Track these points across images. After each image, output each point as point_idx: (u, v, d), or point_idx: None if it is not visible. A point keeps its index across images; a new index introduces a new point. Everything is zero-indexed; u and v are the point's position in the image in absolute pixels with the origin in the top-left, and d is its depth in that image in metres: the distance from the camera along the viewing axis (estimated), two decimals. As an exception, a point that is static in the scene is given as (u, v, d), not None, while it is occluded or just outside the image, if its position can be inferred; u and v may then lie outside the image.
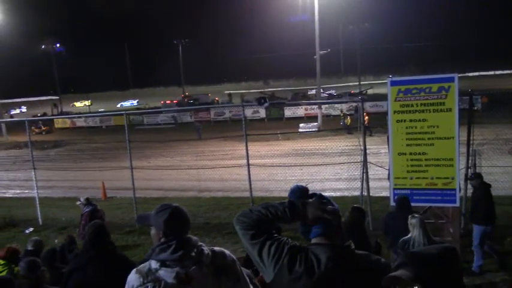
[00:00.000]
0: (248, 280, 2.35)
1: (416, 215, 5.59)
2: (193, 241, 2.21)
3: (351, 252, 1.92)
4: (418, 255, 1.34)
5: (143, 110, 60.58)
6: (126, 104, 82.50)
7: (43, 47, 73.22)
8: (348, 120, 28.05)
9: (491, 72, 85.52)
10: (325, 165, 14.30)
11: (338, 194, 12.14)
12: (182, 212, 2.27)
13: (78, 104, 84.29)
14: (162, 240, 2.18)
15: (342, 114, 31.42)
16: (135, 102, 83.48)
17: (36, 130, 40.92)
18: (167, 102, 53.73)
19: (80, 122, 46.35)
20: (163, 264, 2.12)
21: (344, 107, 34.89)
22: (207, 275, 2.13)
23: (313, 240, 1.93)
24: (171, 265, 2.11)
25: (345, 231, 5.15)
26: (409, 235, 5.41)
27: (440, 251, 1.35)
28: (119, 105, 79.74)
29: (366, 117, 28.44)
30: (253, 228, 1.97)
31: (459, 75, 6.74)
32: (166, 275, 2.08)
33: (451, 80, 6.59)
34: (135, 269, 2.20)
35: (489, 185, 7.39)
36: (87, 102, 77.70)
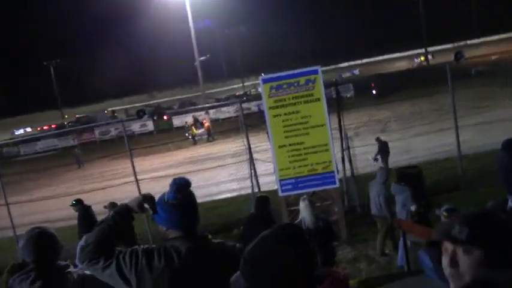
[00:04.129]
0: None
1: (305, 196, 5.99)
2: (59, 268, 2.11)
3: (208, 241, 2.02)
4: (250, 259, 1.29)
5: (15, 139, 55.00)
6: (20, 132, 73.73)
7: None
8: (193, 130, 29.18)
9: (360, 61, 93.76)
10: (215, 168, 14.51)
11: (234, 194, 12.39)
12: (44, 237, 2.14)
13: None
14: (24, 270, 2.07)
15: (186, 126, 32.57)
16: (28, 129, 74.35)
17: None
18: (44, 128, 49.76)
19: None
20: None
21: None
22: None
23: (171, 235, 1.98)
24: None
25: (253, 221, 5.41)
26: (299, 218, 5.75)
27: (272, 233, 1.31)
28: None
29: (206, 124, 30.14)
30: (100, 253, 1.90)
31: (328, 67, 7.32)
32: None
33: (316, 72, 7.15)
34: None
35: None
36: None
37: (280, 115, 7.22)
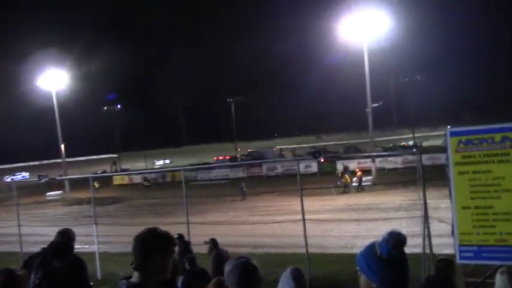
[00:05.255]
0: None
1: (504, 269, 5.29)
2: None
3: None
4: None
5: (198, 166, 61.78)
6: (159, 162, 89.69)
7: (105, 108, 78.43)
8: (346, 178, 27.79)
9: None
10: (383, 220, 13.81)
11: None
12: (249, 268, 2.27)
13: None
14: None
15: (337, 173, 31.40)
16: (167, 161, 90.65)
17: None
18: (219, 158, 54.77)
19: (137, 179, 48.06)
20: None
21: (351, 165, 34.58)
22: None
23: None
24: None
25: (433, 284, 5.00)
26: None
27: None
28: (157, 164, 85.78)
29: (359, 173, 28.22)
30: None
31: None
32: None
33: (515, 129, 6.31)
34: None
35: None
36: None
37: (468, 173, 6.52)
